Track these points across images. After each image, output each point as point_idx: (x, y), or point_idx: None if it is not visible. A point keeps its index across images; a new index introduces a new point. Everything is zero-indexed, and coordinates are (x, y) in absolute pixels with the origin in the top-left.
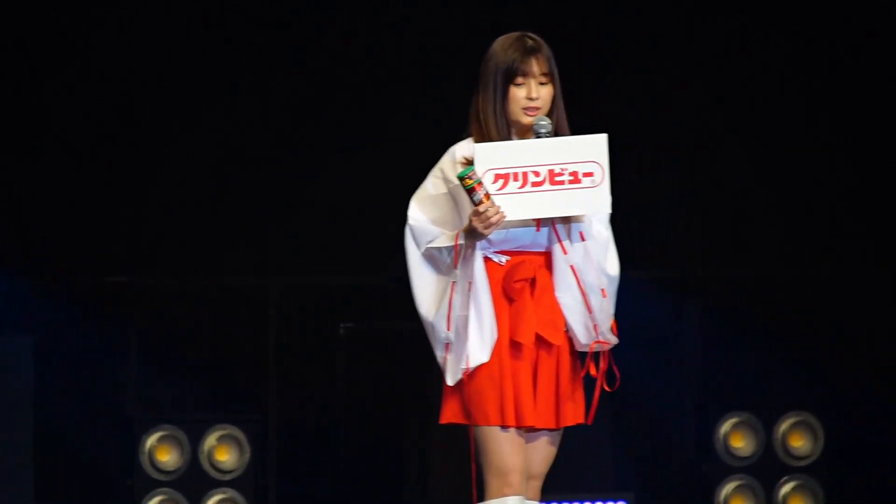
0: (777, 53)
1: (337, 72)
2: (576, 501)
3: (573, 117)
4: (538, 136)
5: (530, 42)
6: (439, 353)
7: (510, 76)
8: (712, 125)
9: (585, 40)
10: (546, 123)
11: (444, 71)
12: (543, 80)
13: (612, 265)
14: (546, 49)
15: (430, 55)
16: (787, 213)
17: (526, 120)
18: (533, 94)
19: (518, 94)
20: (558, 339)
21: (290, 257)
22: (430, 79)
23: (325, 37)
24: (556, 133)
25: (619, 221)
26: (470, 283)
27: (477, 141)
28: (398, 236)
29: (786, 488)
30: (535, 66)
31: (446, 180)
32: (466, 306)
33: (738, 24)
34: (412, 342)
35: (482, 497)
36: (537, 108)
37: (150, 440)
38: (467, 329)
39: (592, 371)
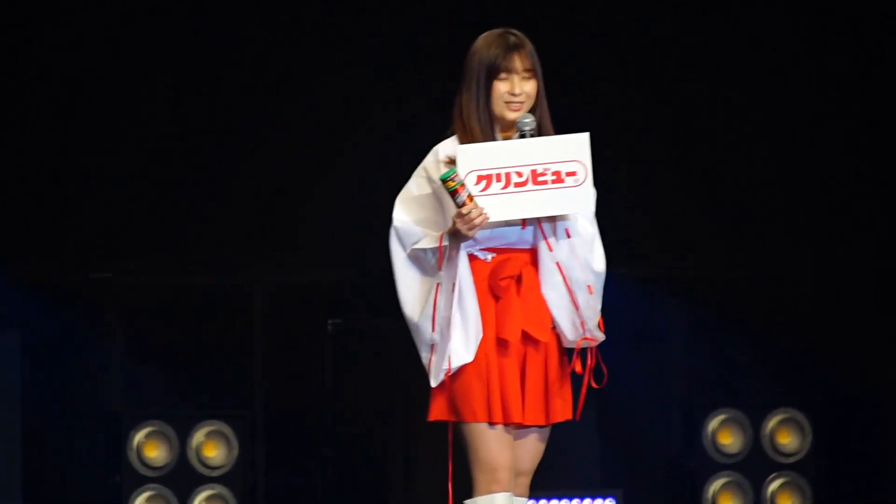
0: (760, 43)
1: (320, 64)
2: (564, 498)
3: (559, 116)
4: (522, 134)
5: (513, 38)
6: (424, 355)
7: (493, 72)
8: (701, 120)
9: (562, 34)
10: (530, 121)
11: (428, 69)
12: (526, 75)
13: (599, 261)
14: (529, 45)
15: (414, 53)
16: (775, 210)
17: (510, 116)
18: (516, 89)
19: (501, 89)
20: (545, 336)
21: (280, 253)
22: (415, 77)
23: (311, 24)
24: (539, 129)
25: (606, 219)
26: (454, 283)
27: (460, 139)
28: (386, 233)
29: (774, 485)
30: (517, 62)
31: (430, 180)
32: (450, 307)
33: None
34: (400, 339)
35: (463, 495)
36: (521, 104)
37: (138, 436)
38: (451, 329)
39: (578, 368)
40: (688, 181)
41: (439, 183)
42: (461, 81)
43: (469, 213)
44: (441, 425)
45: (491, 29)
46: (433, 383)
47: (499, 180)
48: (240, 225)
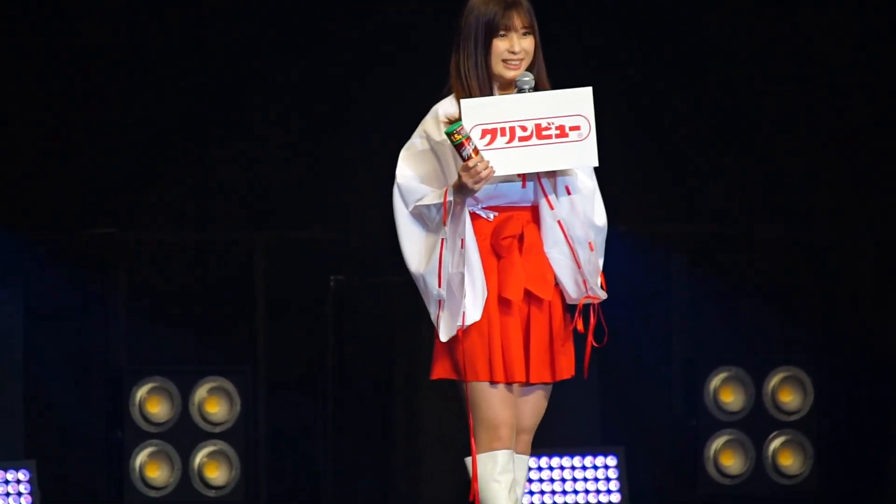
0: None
1: (324, 24)
2: (566, 455)
3: (557, 71)
4: (521, 92)
5: None
6: (433, 310)
7: (492, 30)
8: (699, 80)
9: None
10: (529, 80)
11: (426, 26)
12: (525, 32)
13: (600, 216)
14: (526, 2)
15: (413, 9)
16: (774, 169)
17: (509, 74)
18: (515, 47)
19: (500, 47)
20: (548, 294)
21: (281, 209)
22: (413, 33)
23: None
24: (537, 86)
25: (607, 176)
26: (462, 240)
27: (459, 98)
28: (387, 190)
29: (775, 443)
30: (516, 19)
31: (430, 140)
32: (460, 264)
33: None
34: (402, 295)
35: (463, 452)
36: (520, 61)
37: (141, 392)
38: (463, 287)
39: (580, 326)
40: (690, 139)
41: (441, 140)
42: (457, 40)
43: (475, 165)
44: (444, 383)
45: None
46: (443, 338)
47: (503, 134)
48: (243, 181)
